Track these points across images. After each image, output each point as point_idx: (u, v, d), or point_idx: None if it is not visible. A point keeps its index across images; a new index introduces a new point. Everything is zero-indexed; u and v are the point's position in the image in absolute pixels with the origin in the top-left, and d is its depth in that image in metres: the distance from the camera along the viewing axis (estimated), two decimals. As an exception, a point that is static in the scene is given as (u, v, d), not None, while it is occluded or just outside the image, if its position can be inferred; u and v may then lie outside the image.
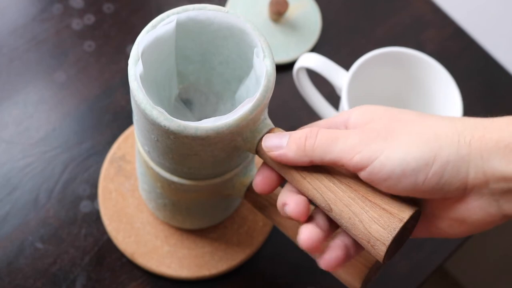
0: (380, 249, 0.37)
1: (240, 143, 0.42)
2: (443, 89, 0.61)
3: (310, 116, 0.68)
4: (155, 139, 0.42)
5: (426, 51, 0.72)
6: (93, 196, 0.63)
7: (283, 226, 0.49)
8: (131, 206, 0.61)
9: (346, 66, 0.63)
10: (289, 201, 0.40)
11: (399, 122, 0.38)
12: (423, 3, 0.76)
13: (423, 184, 0.36)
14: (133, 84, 0.40)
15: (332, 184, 0.39)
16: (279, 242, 0.63)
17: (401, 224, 0.37)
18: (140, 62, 0.41)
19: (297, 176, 0.40)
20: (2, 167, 0.64)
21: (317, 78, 0.64)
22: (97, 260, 0.61)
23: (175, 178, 0.48)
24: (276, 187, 0.42)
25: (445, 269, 1.13)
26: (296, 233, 0.46)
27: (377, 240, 0.37)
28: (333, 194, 0.39)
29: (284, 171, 0.41)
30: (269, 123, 0.42)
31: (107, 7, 0.72)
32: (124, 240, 0.60)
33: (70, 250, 0.61)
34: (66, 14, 0.71)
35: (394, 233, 0.37)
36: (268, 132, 0.42)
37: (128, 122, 0.66)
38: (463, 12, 0.79)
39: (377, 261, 0.44)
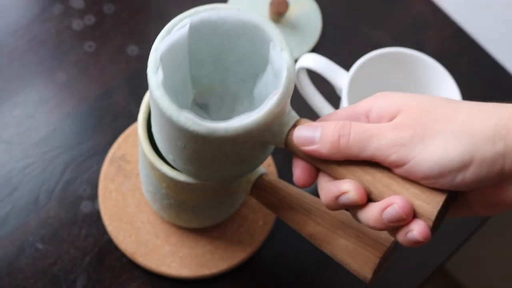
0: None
1: (268, 138, 0.42)
2: (443, 89, 0.61)
3: (310, 116, 0.67)
4: (182, 145, 0.41)
5: (426, 51, 0.72)
6: (94, 197, 0.63)
7: (293, 220, 0.48)
8: (131, 206, 0.61)
9: (347, 66, 0.63)
10: (349, 188, 0.39)
11: (430, 115, 0.37)
12: (423, 3, 0.76)
13: (461, 182, 0.36)
14: (156, 92, 0.39)
15: (369, 167, 0.39)
16: (280, 241, 0.63)
17: (444, 197, 0.37)
18: (160, 69, 0.40)
19: (331, 164, 0.40)
20: (3, 167, 0.64)
21: (317, 78, 0.64)
22: (97, 260, 0.61)
23: (181, 177, 0.48)
24: (316, 178, 0.42)
25: (445, 269, 1.12)
26: (306, 227, 0.45)
27: (422, 215, 0.37)
28: (371, 176, 0.38)
29: (317, 162, 0.41)
30: (294, 115, 0.42)
31: (108, 8, 0.72)
32: (124, 240, 0.60)
33: (71, 250, 0.61)
34: (67, 15, 0.71)
35: (438, 206, 0.37)
36: (295, 124, 0.41)
37: (128, 122, 0.66)
38: (463, 12, 0.79)
39: (388, 249, 0.44)
